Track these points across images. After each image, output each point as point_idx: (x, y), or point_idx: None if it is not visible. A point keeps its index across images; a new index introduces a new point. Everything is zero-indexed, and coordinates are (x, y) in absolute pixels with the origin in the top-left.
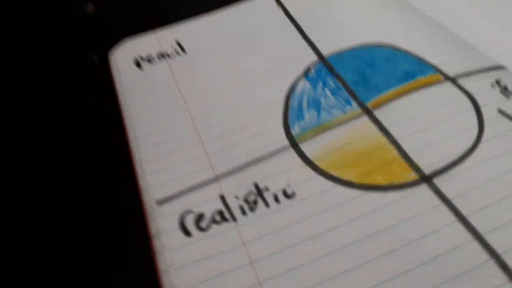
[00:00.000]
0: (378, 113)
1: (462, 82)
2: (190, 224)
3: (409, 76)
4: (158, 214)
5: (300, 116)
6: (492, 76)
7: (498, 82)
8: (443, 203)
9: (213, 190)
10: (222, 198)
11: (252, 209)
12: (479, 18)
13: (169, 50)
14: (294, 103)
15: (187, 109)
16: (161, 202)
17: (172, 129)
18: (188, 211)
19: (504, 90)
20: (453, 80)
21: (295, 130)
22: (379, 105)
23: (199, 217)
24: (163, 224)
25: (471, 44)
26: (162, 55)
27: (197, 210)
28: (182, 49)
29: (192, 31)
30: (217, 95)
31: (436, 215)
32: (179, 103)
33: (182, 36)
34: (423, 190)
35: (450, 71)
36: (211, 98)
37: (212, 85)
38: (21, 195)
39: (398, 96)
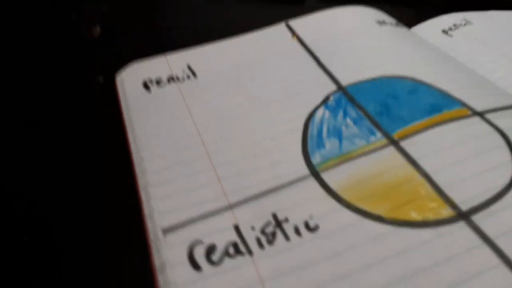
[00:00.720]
0: (405, 144)
1: (490, 117)
2: (200, 257)
3: (435, 109)
4: (164, 244)
5: (320, 144)
6: None
7: None
8: (485, 242)
9: (227, 220)
10: (237, 229)
11: (270, 241)
12: (494, 57)
13: (180, 74)
14: (313, 131)
15: (198, 132)
16: (167, 230)
17: (181, 152)
18: (198, 242)
19: None
20: (481, 115)
21: (315, 159)
22: (406, 136)
23: (210, 249)
24: (169, 255)
25: (491, 81)
26: (173, 79)
27: (208, 241)
28: (193, 73)
29: (203, 56)
30: (230, 120)
31: (477, 255)
32: (189, 127)
33: (193, 61)
34: (461, 227)
35: (477, 106)
36: (224, 123)
37: (225, 110)
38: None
39: (425, 128)
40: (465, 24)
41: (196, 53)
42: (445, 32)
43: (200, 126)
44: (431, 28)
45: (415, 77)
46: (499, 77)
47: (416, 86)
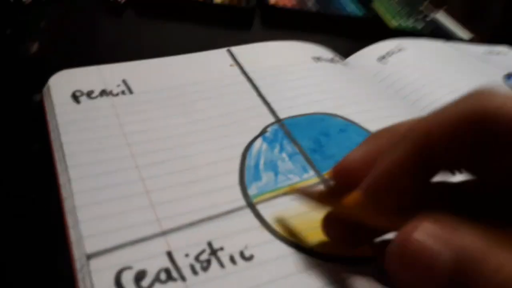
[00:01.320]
0: None
1: None
2: (128, 283)
3: None
4: (90, 269)
5: (257, 176)
6: None
7: None
8: None
9: (159, 246)
10: (169, 255)
11: (204, 268)
12: (427, 82)
13: (115, 89)
14: (250, 162)
15: (132, 153)
16: (94, 255)
17: (112, 174)
18: (127, 267)
19: None
20: None
21: (252, 190)
22: None
23: (140, 275)
24: (95, 281)
25: (422, 107)
26: (106, 92)
27: (139, 266)
28: (129, 89)
29: (142, 72)
30: (168, 143)
31: None
32: (122, 146)
33: (130, 76)
34: None
35: None
36: (160, 145)
37: (162, 131)
38: None
39: None
40: (399, 51)
41: (134, 68)
42: (380, 59)
43: (134, 146)
44: (367, 57)
45: (345, 115)
46: (432, 101)
47: (346, 125)
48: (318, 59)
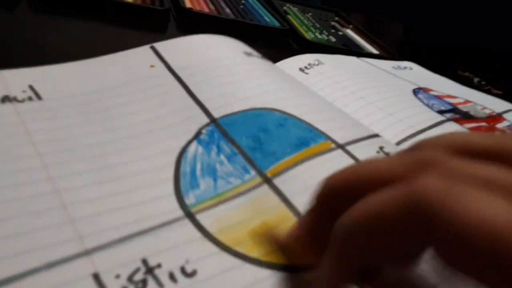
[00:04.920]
0: (278, 182)
1: (351, 149)
2: None
3: (303, 143)
4: None
5: (194, 184)
6: (375, 143)
7: (381, 148)
8: None
9: (83, 267)
10: (96, 277)
11: None
12: (344, 93)
13: (19, 95)
14: (186, 168)
15: (44, 164)
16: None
17: (21, 188)
18: None
19: (387, 155)
20: (343, 147)
21: (189, 199)
22: (278, 173)
23: None
24: None
25: (347, 113)
26: (9, 99)
27: None
28: (37, 95)
29: (51, 76)
30: (86, 152)
31: None
32: (30, 156)
33: (37, 81)
34: None
35: (339, 138)
36: (78, 155)
37: (79, 140)
38: None
39: (295, 163)
40: (318, 64)
41: (42, 72)
42: (301, 70)
43: (46, 156)
44: (290, 66)
45: (283, 109)
46: (351, 112)
47: (284, 119)
48: (249, 54)
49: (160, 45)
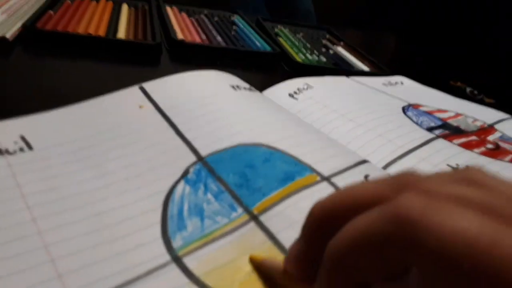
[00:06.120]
0: (264, 219)
1: (336, 180)
2: None
3: (289, 178)
4: None
5: (181, 225)
6: (361, 171)
7: (366, 177)
8: None
9: None
10: None
11: None
12: (334, 117)
13: (11, 146)
14: (173, 210)
15: (33, 218)
16: None
17: (10, 243)
18: None
19: None
20: (328, 179)
21: (176, 242)
22: (264, 209)
23: None
24: None
25: (334, 140)
26: (0, 152)
27: None
28: (29, 145)
29: (42, 125)
30: (75, 201)
31: None
32: (20, 210)
33: (28, 131)
34: None
35: (324, 170)
36: (66, 205)
37: (67, 189)
38: None
39: (281, 199)
40: (307, 88)
41: (33, 121)
42: (291, 95)
43: (36, 209)
44: (279, 92)
45: (269, 143)
46: (341, 135)
47: (270, 154)
48: (237, 87)
49: (148, 85)
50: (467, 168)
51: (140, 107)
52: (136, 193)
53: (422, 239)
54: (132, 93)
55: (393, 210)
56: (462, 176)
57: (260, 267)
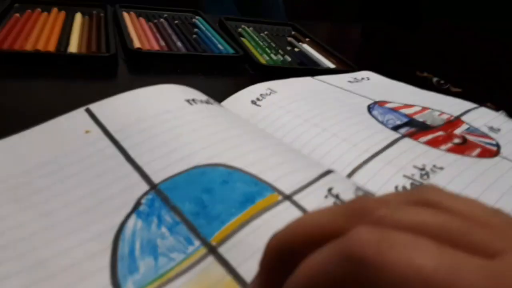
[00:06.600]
0: (224, 250)
1: (298, 198)
2: None
3: (248, 200)
4: None
5: (133, 267)
6: (324, 185)
7: (330, 190)
8: None
9: None
10: None
11: None
12: (298, 123)
13: None
14: (124, 250)
15: None
16: None
17: None
18: None
19: (337, 198)
20: (290, 198)
21: None
22: (223, 239)
23: None
24: None
25: (298, 148)
26: None
27: None
28: None
29: None
30: (18, 248)
31: None
32: None
33: None
34: None
35: (286, 187)
36: (9, 253)
37: (10, 234)
38: None
39: (241, 225)
40: (270, 93)
41: None
42: (253, 102)
43: None
44: (241, 100)
45: (227, 162)
46: (305, 142)
47: (228, 174)
48: (192, 101)
49: (95, 107)
50: (422, 188)
51: (86, 132)
52: (82, 233)
53: (377, 280)
54: (77, 116)
55: (345, 248)
56: (417, 198)
57: None
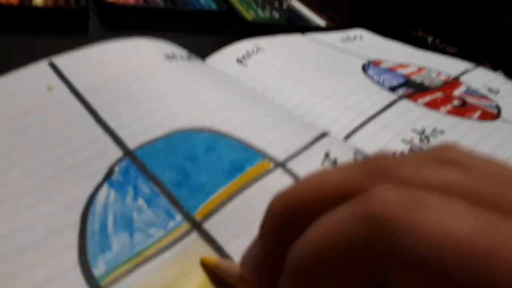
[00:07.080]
0: (209, 226)
1: (292, 165)
2: None
3: (237, 168)
4: None
5: (105, 245)
6: (320, 149)
7: (327, 155)
8: None
9: None
10: None
11: None
12: (288, 84)
13: None
14: (94, 225)
15: None
16: None
17: None
18: None
19: (335, 164)
20: (283, 165)
21: (98, 269)
22: (208, 213)
23: None
24: None
25: (289, 110)
26: None
27: None
28: None
29: None
30: None
31: None
32: None
33: None
34: None
35: (279, 153)
36: None
37: None
38: None
39: (229, 197)
40: (257, 52)
41: None
42: (239, 61)
43: None
44: (226, 58)
45: (212, 126)
46: (296, 104)
47: (214, 140)
48: (172, 56)
49: (60, 60)
50: (441, 146)
51: (49, 89)
52: (44, 206)
53: (405, 246)
54: (38, 71)
55: (367, 209)
56: (437, 156)
57: (213, 272)
